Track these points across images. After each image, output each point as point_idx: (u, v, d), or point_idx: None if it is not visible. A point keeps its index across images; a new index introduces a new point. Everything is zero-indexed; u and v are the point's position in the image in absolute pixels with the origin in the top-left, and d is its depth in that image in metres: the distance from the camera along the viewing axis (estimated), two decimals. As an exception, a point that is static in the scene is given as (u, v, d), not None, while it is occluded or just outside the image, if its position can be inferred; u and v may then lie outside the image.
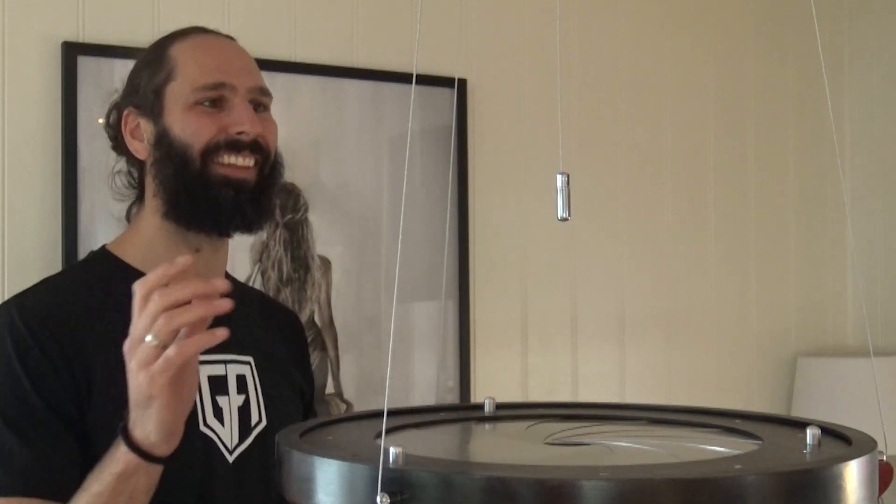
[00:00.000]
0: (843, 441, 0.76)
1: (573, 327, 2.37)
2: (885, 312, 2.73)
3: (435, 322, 2.15)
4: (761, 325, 2.67)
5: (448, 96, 2.14)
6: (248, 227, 1.31)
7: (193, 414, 1.19)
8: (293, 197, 1.98)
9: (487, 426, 0.95)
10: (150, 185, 1.32)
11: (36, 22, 1.79)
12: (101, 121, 1.43)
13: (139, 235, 1.33)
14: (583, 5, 2.41)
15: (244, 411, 1.30)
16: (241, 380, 1.31)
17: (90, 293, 1.27)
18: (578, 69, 2.40)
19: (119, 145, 1.36)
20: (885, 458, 0.72)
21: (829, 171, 2.79)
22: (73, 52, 1.80)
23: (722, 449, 0.78)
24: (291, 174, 1.98)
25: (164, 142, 1.28)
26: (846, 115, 2.83)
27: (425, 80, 2.10)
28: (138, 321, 1.02)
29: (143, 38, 1.87)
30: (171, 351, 0.99)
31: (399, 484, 0.63)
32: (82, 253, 1.78)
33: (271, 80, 1.96)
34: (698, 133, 2.59)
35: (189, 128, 1.27)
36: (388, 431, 0.77)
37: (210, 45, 1.34)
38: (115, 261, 1.32)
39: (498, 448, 0.87)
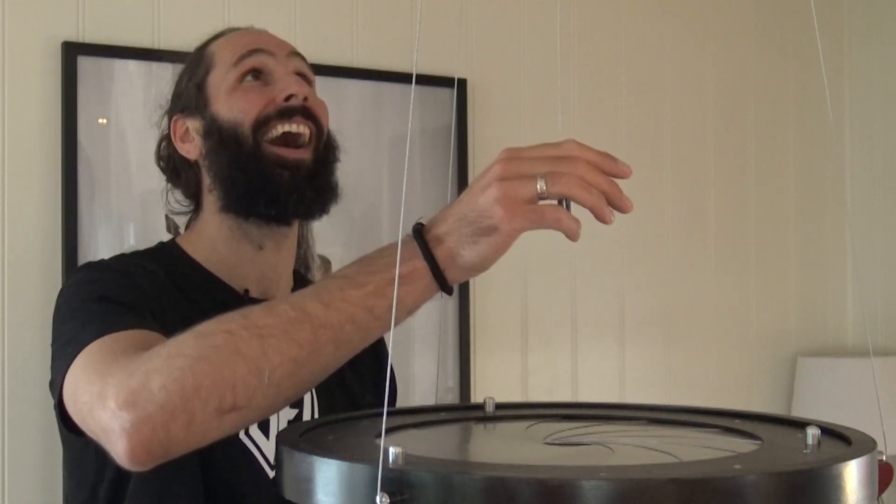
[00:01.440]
0: (842, 441, 0.76)
1: (573, 327, 2.37)
2: (884, 313, 2.73)
3: (434, 322, 2.15)
4: (761, 324, 2.67)
5: (448, 96, 2.14)
6: (308, 211, 1.24)
7: None
8: (293, 197, 1.98)
9: (487, 426, 0.95)
10: (205, 183, 1.27)
11: (36, 22, 1.80)
12: (161, 132, 1.37)
13: (203, 234, 1.28)
14: (583, 5, 2.41)
15: None
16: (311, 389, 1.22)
17: (161, 278, 1.20)
18: (578, 69, 2.40)
19: (171, 172, 1.33)
20: (884, 458, 0.72)
21: (829, 172, 2.79)
22: (73, 52, 1.80)
23: (721, 449, 0.78)
24: (291, 174, 1.98)
25: (213, 130, 1.24)
26: (846, 115, 2.83)
27: (425, 80, 2.11)
28: (544, 150, 0.86)
29: (143, 38, 1.88)
30: (558, 214, 0.83)
31: (399, 484, 0.63)
32: (82, 253, 1.79)
33: (271, 80, 1.97)
34: (698, 133, 2.59)
35: (236, 106, 1.22)
36: (388, 431, 0.77)
37: (243, 32, 1.31)
38: (182, 254, 1.27)
39: (498, 448, 0.87)
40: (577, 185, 0.83)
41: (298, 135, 1.23)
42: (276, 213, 1.22)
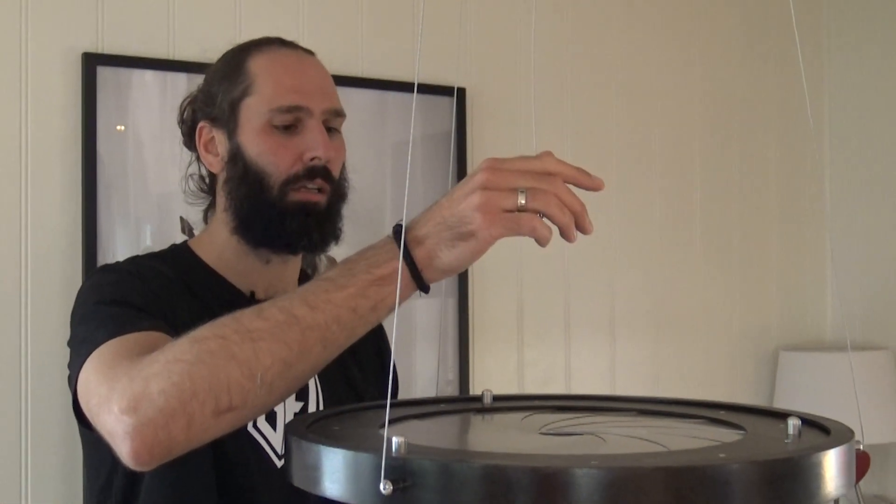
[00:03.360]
0: (822, 431, 0.76)
1: (566, 324, 2.37)
2: (862, 309, 2.73)
3: (435, 319, 2.15)
4: (744, 320, 2.67)
5: (448, 104, 2.14)
6: (313, 249, 1.24)
7: None
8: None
9: (485, 417, 0.95)
10: (220, 198, 1.26)
11: (57, 34, 1.80)
12: (183, 103, 1.33)
13: (213, 238, 1.27)
14: (576, 18, 2.41)
15: None
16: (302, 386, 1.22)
17: (172, 279, 1.20)
18: (571, 79, 2.40)
19: (191, 143, 1.30)
20: (861, 448, 0.72)
21: (809, 176, 2.79)
22: (92, 63, 1.80)
23: (707, 438, 0.78)
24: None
25: (238, 160, 1.21)
26: (825, 121, 2.83)
27: (426, 89, 2.11)
28: (525, 163, 0.86)
29: (159, 49, 1.88)
30: (534, 223, 0.84)
31: (401, 472, 0.63)
32: (101, 252, 1.79)
33: (280, 89, 1.97)
34: (685, 139, 2.59)
35: (266, 155, 1.20)
36: (391, 422, 0.77)
37: (289, 62, 1.25)
38: (193, 256, 1.27)
39: (495, 438, 0.87)
40: (553, 205, 0.85)
41: (317, 192, 1.22)
42: (285, 250, 1.23)
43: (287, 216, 1.20)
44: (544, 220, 0.86)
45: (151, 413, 0.84)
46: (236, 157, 1.22)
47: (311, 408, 1.25)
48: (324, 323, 0.87)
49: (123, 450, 0.86)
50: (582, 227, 0.87)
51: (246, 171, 1.21)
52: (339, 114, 1.26)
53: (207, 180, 1.30)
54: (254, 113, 1.21)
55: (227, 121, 1.23)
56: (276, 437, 1.22)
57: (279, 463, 1.21)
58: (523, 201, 0.84)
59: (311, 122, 1.21)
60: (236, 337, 0.86)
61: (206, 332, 0.88)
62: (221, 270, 1.25)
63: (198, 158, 1.30)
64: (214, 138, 1.25)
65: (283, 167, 1.20)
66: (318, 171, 1.21)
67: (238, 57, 1.26)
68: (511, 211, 0.84)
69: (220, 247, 1.26)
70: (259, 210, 1.21)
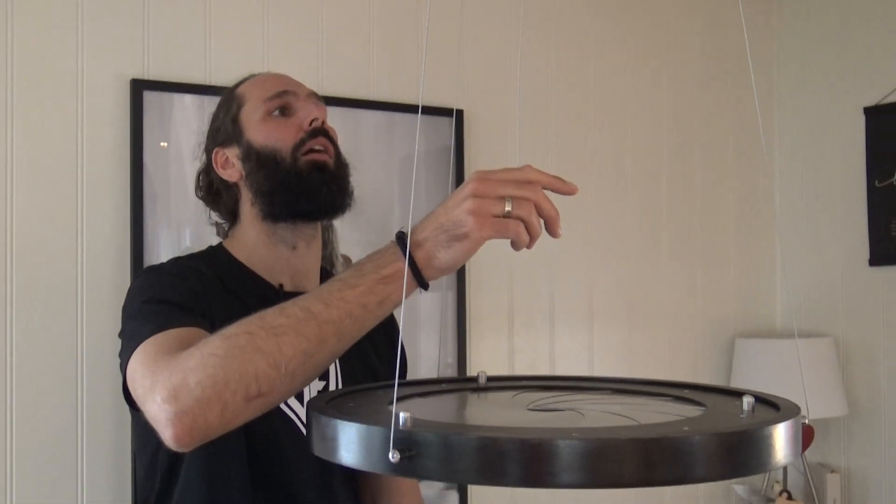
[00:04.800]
0: (772, 407, 0.76)
1: (550, 314, 2.37)
2: (807, 302, 2.73)
3: (437, 310, 2.15)
4: (705, 311, 2.67)
5: (448, 124, 2.14)
6: (333, 206, 1.24)
7: None
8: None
9: (480, 395, 0.95)
10: (246, 199, 1.27)
11: (109, 63, 1.80)
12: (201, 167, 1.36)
13: (244, 239, 1.28)
14: (560, 49, 2.41)
15: None
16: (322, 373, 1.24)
17: (209, 277, 1.21)
18: (556, 102, 2.40)
19: (211, 197, 1.33)
20: (807, 422, 0.72)
21: (762, 185, 2.79)
22: (139, 88, 1.80)
23: (673, 414, 0.78)
24: (319, 188, 1.98)
25: (251, 154, 1.24)
26: (775, 138, 2.83)
27: (429, 110, 2.11)
28: (510, 174, 0.86)
29: (196, 75, 1.88)
30: (518, 228, 0.85)
31: (408, 443, 0.63)
32: (147, 253, 1.79)
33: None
34: (654, 153, 2.59)
35: (271, 134, 1.23)
36: (399, 400, 0.77)
37: (268, 76, 1.32)
38: (227, 255, 1.28)
39: (489, 413, 0.87)
40: (533, 215, 0.86)
41: (326, 152, 1.25)
42: (311, 209, 1.23)
43: (303, 177, 1.21)
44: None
45: (190, 402, 0.84)
46: (249, 153, 1.25)
47: (332, 386, 1.26)
48: (338, 318, 0.88)
49: (166, 434, 0.86)
50: (552, 232, 0.88)
51: (259, 157, 1.24)
52: (321, 100, 1.29)
53: (231, 203, 1.30)
54: (251, 114, 1.26)
55: (233, 134, 1.26)
56: (304, 411, 1.22)
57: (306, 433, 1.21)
58: (510, 208, 0.85)
59: (300, 102, 1.26)
60: (262, 333, 0.87)
61: (235, 329, 0.88)
62: (252, 266, 1.26)
63: (215, 202, 1.33)
64: (227, 156, 1.28)
65: (289, 139, 1.23)
66: (319, 131, 1.24)
67: (228, 92, 1.32)
68: (499, 216, 0.85)
69: (250, 244, 1.27)
70: (279, 181, 1.22)
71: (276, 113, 1.25)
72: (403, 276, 0.87)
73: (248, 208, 1.27)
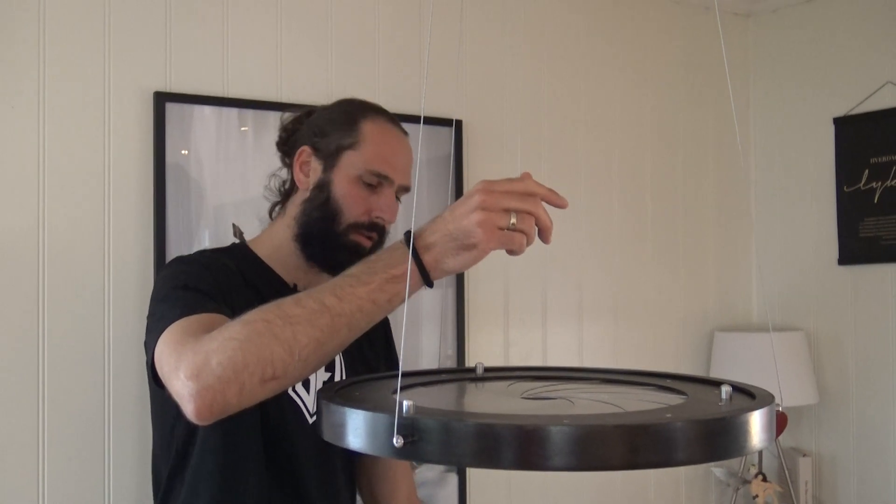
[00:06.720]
0: (748, 396, 0.76)
1: (543, 309, 2.37)
2: (781, 298, 2.73)
3: (438, 306, 2.15)
4: (686, 307, 2.67)
5: (448, 133, 2.14)
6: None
7: None
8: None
9: (478, 385, 0.95)
10: (293, 208, 1.26)
11: (134, 77, 1.80)
12: (283, 117, 1.34)
13: (272, 238, 1.28)
14: (552, 64, 2.41)
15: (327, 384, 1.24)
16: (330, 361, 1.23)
17: (232, 270, 1.21)
18: (548, 113, 2.40)
19: (285, 149, 1.31)
20: (780, 409, 0.72)
21: (739, 189, 2.79)
22: (162, 100, 1.80)
23: (656, 402, 0.78)
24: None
25: (323, 191, 1.22)
26: (751, 144, 2.83)
27: (430, 120, 2.10)
28: (513, 186, 0.87)
29: (215, 88, 1.88)
30: (522, 241, 0.86)
31: (411, 429, 0.63)
32: (169, 252, 1.79)
33: (313, 121, 1.97)
34: (639, 161, 2.59)
35: (347, 199, 1.21)
36: (402, 389, 0.77)
37: (392, 138, 1.27)
38: (250, 253, 1.28)
39: (486, 401, 0.87)
40: (532, 228, 0.87)
41: (373, 239, 1.24)
42: (329, 268, 1.23)
43: (342, 249, 1.21)
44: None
45: (211, 381, 0.85)
46: (323, 187, 1.23)
47: (337, 376, 1.27)
48: (349, 311, 0.88)
49: (188, 409, 0.86)
50: (544, 239, 0.89)
51: (326, 202, 1.22)
52: (408, 190, 1.28)
53: (286, 186, 1.30)
54: (352, 164, 1.22)
55: (328, 158, 1.23)
56: (309, 399, 1.23)
57: (311, 419, 1.23)
58: (514, 221, 0.86)
59: (388, 190, 1.24)
60: (279, 321, 0.87)
61: (254, 316, 0.88)
62: (272, 264, 1.26)
63: (286, 165, 1.31)
64: (311, 164, 1.25)
65: (355, 214, 1.22)
66: (377, 227, 1.24)
67: (355, 114, 1.27)
68: (503, 229, 0.86)
69: (276, 244, 1.27)
70: (324, 235, 1.22)
71: (366, 184, 1.22)
72: (413, 276, 0.88)
73: (290, 215, 1.27)
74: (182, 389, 0.86)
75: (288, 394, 1.20)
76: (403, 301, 0.90)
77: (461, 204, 0.88)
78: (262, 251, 1.28)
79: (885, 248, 2.47)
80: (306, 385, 1.23)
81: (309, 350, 0.87)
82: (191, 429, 1.17)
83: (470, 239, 0.86)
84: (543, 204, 0.87)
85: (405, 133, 1.30)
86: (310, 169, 1.25)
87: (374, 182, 1.22)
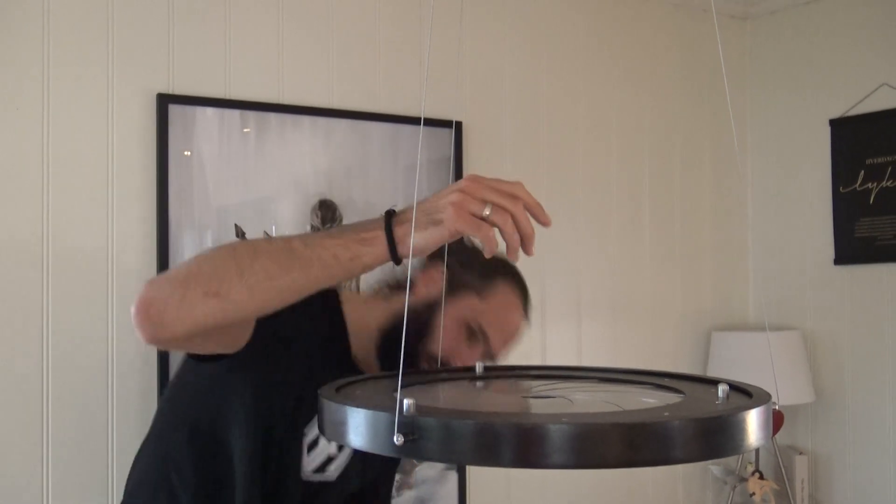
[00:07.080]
0: (745, 395, 0.76)
1: (542, 308, 2.37)
2: (777, 298, 2.74)
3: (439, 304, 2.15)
4: (684, 306, 2.67)
5: (448, 135, 2.14)
6: None
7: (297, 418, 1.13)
8: (331, 210, 1.98)
9: (478, 384, 0.95)
10: (394, 293, 1.23)
11: (137, 79, 1.80)
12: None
13: (364, 316, 1.22)
14: (550, 66, 2.41)
15: None
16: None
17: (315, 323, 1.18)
18: (547, 115, 2.40)
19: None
20: (777, 408, 0.72)
21: (736, 190, 2.79)
22: (164, 102, 1.80)
23: (654, 400, 0.78)
24: (330, 193, 1.98)
25: (430, 310, 1.17)
26: (748, 146, 2.83)
27: (431, 122, 2.11)
28: (500, 184, 0.85)
29: (216, 90, 1.88)
30: (489, 233, 0.84)
31: (411, 427, 0.63)
32: (171, 252, 1.78)
33: (315, 123, 1.97)
34: (637, 161, 2.59)
35: (448, 337, 1.16)
36: (403, 387, 0.77)
37: (511, 307, 1.25)
38: (339, 317, 1.23)
39: (486, 400, 0.87)
40: (508, 224, 0.84)
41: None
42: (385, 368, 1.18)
43: (412, 359, 1.15)
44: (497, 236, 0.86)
45: (154, 292, 0.88)
46: (432, 308, 1.17)
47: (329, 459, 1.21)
48: (308, 257, 0.89)
49: (132, 313, 0.88)
50: (526, 249, 0.86)
51: (423, 316, 1.17)
52: (492, 358, 1.23)
53: (398, 280, 1.25)
54: (468, 306, 1.19)
55: (451, 285, 1.18)
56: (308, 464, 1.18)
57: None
58: (488, 212, 0.84)
59: (479, 349, 1.19)
60: (243, 249, 0.92)
61: (228, 244, 0.94)
62: (351, 332, 1.22)
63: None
64: (436, 281, 1.19)
65: (444, 349, 1.16)
66: (443, 363, 1.16)
67: (493, 268, 1.23)
68: (475, 216, 0.84)
69: (365, 322, 1.21)
70: (400, 348, 1.16)
71: (468, 333, 1.18)
72: (380, 243, 0.88)
73: (391, 310, 1.21)
74: (132, 307, 0.89)
75: (303, 479, 1.14)
76: (366, 267, 0.90)
77: (446, 188, 0.88)
78: (351, 316, 1.22)
79: (880, 249, 2.47)
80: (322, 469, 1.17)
81: (258, 278, 0.88)
82: (178, 472, 1.12)
83: (439, 214, 0.85)
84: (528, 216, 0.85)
85: (526, 302, 1.28)
86: (432, 282, 1.20)
87: (474, 339, 1.18)
